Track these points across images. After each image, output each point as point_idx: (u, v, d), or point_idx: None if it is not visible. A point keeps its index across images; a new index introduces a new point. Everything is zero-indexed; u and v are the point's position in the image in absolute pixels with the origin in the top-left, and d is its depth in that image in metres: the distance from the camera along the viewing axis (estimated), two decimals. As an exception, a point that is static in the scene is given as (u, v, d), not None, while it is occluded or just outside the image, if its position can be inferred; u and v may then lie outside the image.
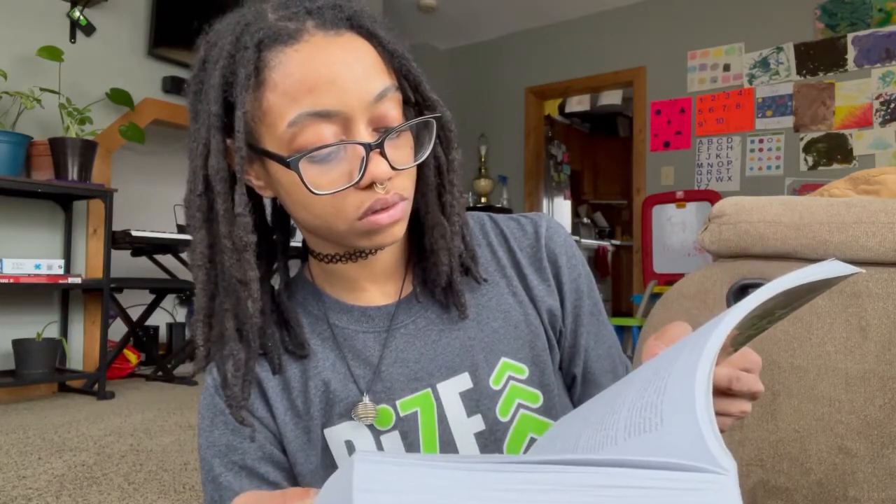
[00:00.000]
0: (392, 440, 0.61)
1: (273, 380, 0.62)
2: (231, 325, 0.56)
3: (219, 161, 0.53)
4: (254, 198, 0.60)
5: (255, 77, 0.52)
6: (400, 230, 0.57)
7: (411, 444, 0.61)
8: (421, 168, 0.60)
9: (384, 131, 0.54)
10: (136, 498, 1.75)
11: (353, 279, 0.64)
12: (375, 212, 0.54)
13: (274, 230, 0.66)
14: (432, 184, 0.61)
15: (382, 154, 0.53)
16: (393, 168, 0.53)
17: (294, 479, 0.63)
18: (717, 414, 0.50)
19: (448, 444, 0.61)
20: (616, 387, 0.43)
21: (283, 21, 0.53)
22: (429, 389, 0.62)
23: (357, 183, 0.53)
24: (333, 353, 0.63)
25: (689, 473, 0.29)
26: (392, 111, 0.54)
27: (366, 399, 0.61)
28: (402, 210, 0.56)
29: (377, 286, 0.65)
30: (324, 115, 0.51)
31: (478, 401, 0.62)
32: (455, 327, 0.64)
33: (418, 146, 0.58)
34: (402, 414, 0.61)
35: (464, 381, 0.62)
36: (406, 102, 0.58)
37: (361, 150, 0.52)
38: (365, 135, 0.53)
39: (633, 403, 0.36)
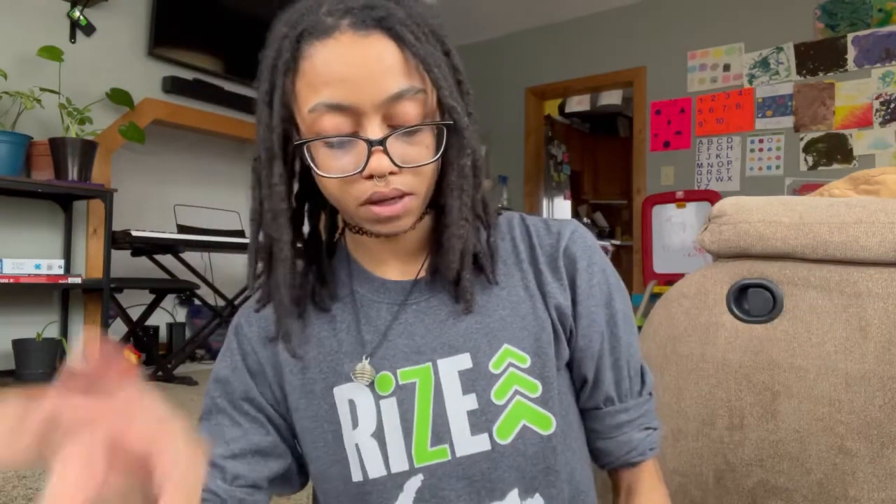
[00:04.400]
0: (390, 405, 0.65)
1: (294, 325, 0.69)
2: (281, 272, 0.63)
3: (264, 133, 0.61)
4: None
5: (293, 63, 0.58)
6: (403, 224, 0.61)
7: (406, 412, 0.65)
8: (446, 168, 0.64)
9: (393, 130, 0.58)
10: (136, 498, 1.75)
11: (377, 252, 0.69)
12: (375, 203, 0.59)
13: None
14: (454, 185, 0.63)
15: (385, 151, 0.57)
16: (397, 165, 0.58)
17: (271, 423, 0.69)
18: None
19: (440, 417, 0.65)
20: None
21: (326, 16, 0.58)
22: (429, 364, 0.66)
23: (359, 173, 0.58)
24: (350, 317, 0.69)
25: None
26: (410, 111, 0.58)
27: (364, 360, 0.66)
28: (404, 206, 0.60)
29: (399, 262, 0.69)
30: (336, 108, 0.57)
31: (474, 381, 0.65)
32: (462, 313, 0.67)
33: (437, 148, 0.62)
34: (401, 382, 0.66)
35: (464, 361, 0.65)
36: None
37: (365, 145, 0.57)
38: (377, 130, 0.58)
39: None
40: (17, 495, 1.74)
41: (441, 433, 0.64)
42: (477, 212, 0.66)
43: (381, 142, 0.57)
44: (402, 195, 0.59)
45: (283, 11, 0.63)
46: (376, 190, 0.58)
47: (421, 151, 0.60)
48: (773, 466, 0.88)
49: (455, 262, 0.64)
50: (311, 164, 0.59)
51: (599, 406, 0.71)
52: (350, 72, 0.56)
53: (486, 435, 0.64)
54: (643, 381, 0.72)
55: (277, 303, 0.65)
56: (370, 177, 0.58)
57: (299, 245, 0.69)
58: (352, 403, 0.66)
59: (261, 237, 0.65)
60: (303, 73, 0.58)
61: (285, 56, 0.58)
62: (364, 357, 0.66)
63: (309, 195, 0.70)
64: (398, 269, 0.70)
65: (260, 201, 0.63)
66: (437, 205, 0.66)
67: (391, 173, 0.58)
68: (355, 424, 0.66)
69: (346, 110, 0.57)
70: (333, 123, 0.58)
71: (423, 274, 0.69)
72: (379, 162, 0.57)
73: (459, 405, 0.65)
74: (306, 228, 0.71)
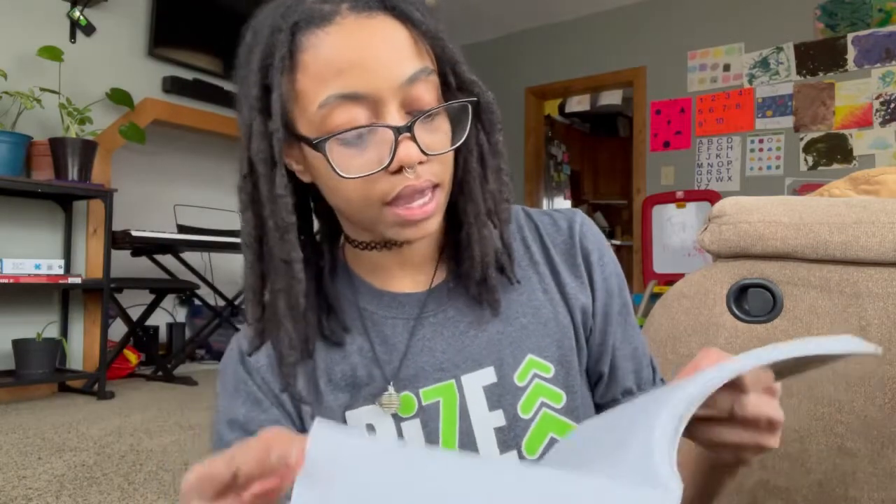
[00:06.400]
0: (412, 427, 0.61)
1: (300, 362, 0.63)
2: (284, 305, 0.57)
3: (259, 143, 0.54)
4: (299, 181, 0.61)
5: (290, 60, 0.53)
6: (432, 225, 0.56)
7: (430, 434, 0.61)
8: (463, 155, 0.58)
9: (416, 114, 0.53)
10: (136, 498, 1.75)
11: (385, 266, 0.64)
12: (408, 204, 0.54)
13: (321, 215, 0.66)
14: (475, 171, 0.59)
15: (413, 138, 0.52)
16: (424, 153, 0.53)
17: None
18: (721, 445, 0.47)
19: (467, 437, 0.61)
20: (619, 412, 0.43)
21: (318, 4, 0.53)
22: (452, 381, 0.61)
23: (386, 167, 0.52)
24: (362, 338, 0.63)
25: (621, 487, 0.29)
26: (427, 94, 0.54)
27: (391, 388, 0.61)
28: (437, 203, 0.55)
29: (409, 274, 0.64)
30: (352, 98, 0.52)
31: (500, 396, 0.61)
32: (483, 321, 0.63)
33: (457, 131, 0.57)
34: (423, 403, 0.61)
35: (488, 375, 0.62)
36: (447, 85, 0.57)
37: (391, 134, 0.52)
38: (396, 118, 0.52)
39: (615, 433, 0.36)
40: (16, 495, 1.74)
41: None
42: (504, 195, 0.61)
43: (409, 127, 0.52)
44: (433, 186, 0.55)
45: (259, 8, 0.57)
46: (408, 183, 0.53)
47: (441, 138, 0.55)
48: (773, 466, 0.88)
49: (487, 255, 0.59)
50: (332, 166, 0.52)
51: (618, 398, 0.68)
52: (362, 56, 0.51)
53: (514, 452, 0.61)
54: (654, 368, 0.70)
55: (284, 341, 0.58)
56: (398, 170, 0.53)
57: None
58: (370, 428, 0.61)
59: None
60: (305, 66, 0.52)
61: (281, 51, 0.52)
62: (389, 383, 0.61)
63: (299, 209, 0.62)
64: (408, 281, 0.64)
65: (259, 221, 0.56)
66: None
67: (420, 163, 0.53)
68: None
69: (361, 100, 0.52)
70: (348, 117, 0.52)
71: (438, 280, 0.64)
72: (408, 150, 0.52)
73: (486, 422, 0.61)
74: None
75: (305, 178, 0.59)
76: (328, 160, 0.52)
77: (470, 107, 0.56)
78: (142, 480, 1.88)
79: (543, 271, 0.66)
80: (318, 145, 0.52)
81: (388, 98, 0.52)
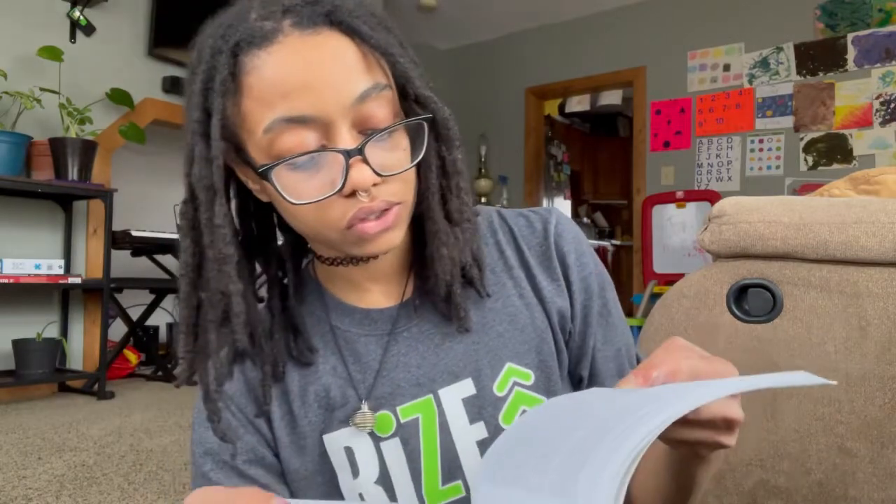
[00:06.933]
0: (392, 447, 0.60)
1: (272, 386, 0.61)
2: (214, 339, 0.54)
3: (200, 169, 0.51)
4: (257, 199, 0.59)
5: (233, 82, 0.50)
6: (394, 237, 0.54)
7: (412, 452, 0.59)
8: (423, 170, 0.56)
9: (369, 134, 0.51)
10: (136, 498, 1.75)
11: (355, 280, 0.62)
12: (363, 220, 0.52)
13: (286, 230, 0.64)
14: (434, 187, 0.56)
15: (365, 160, 0.50)
16: (378, 174, 0.51)
17: (286, 482, 0.62)
18: (677, 442, 0.47)
19: (449, 452, 0.60)
20: (574, 415, 0.42)
21: (260, 21, 0.50)
22: (430, 395, 0.60)
23: (339, 191, 0.50)
24: (334, 357, 0.62)
25: None
26: (380, 111, 0.51)
27: (364, 407, 0.59)
28: (395, 216, 0.53)
29: (380, 287, 0.63)
30: (299, 121, 0.49)
31: (481, 407, 0.60)
32: (458, 332, 0.62)
33: (415, 147, 0.55)
34: (402, 420, 0.60)
35: (466, 387, 0.60)
36: (405, 97, 0.55)
37: (342, 157, 0.50)
38: (348, 139, 0.50)
39: (569, 456, 0.35)
40: (16, 495, 1.74)
41: (452, 469, 0.59)
42: (465, 215, 0.59)
43: (360, 150, 0.50)
44: (390, 206, 0.53)
45: (204, 24, 0.55)
46: (362, 206, 0.51)
47: (399, 156, 0.53)
48: (773, 466, 0.88)
49: (447, 274, 0.57)
50: (280, 193, 0.50)
51: None
52: (307, 77, 0.49)
53: None
54: None
55: (210, 374, 0.55)
56: (352, 194, 0.51)
57: (262, 296, 0.61)
58: (349, 451, 0.60)
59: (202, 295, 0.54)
60: (248, 89, 0.50)
61: (222, 74, 0.49)
62: (362, 402, 0.60)
63: (253, 235, 0.61)
64: (379, 295, 0.63)
65: (197, 248, 0.53)
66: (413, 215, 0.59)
67: (374, 184, 0.51)
68: (356, 473, 0.59)
69: (309, 122, 0.49)
70: (296, 141, 0.49)
71: (409, 293, 0.63)
72: (361, 174, 0.49)
73: (468, 436, 0.59)
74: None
75: (263, 198, 0.57)
76: (276, 188, 0.50)
77: (426, 124, 0.54)
78: (142, 480, 1.89)
79: (519, 275, 0.64)
80: (264, 174, 0.50)
81: (338, 119, 0.50)
